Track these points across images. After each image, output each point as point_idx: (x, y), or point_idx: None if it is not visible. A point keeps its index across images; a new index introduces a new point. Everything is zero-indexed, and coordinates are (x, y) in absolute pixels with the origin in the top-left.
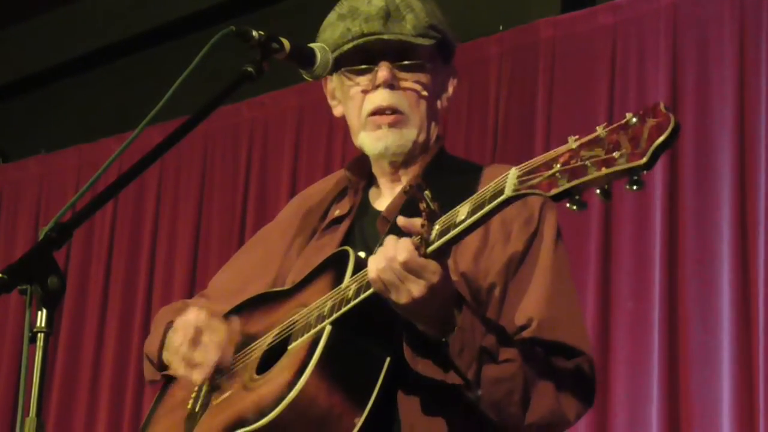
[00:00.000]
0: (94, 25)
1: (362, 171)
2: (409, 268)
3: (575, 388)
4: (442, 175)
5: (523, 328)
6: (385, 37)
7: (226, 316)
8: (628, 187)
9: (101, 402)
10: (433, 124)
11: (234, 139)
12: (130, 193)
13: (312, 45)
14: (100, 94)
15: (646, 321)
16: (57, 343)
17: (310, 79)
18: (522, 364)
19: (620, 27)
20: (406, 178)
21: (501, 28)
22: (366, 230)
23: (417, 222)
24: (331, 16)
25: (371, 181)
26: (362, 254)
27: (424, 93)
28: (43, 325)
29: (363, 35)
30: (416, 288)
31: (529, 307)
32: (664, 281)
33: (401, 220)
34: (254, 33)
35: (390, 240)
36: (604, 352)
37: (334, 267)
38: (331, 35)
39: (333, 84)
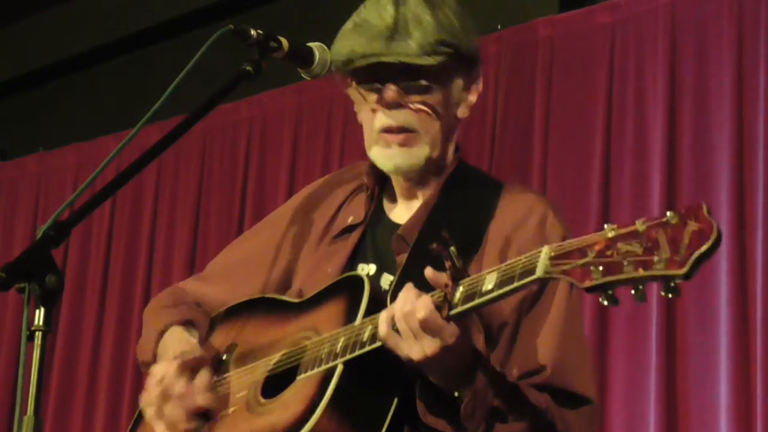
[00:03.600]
0: (92, 23)
1: (379, 176)
2: (426, 326)
3: None
4: (459, 194)
5: (534, 372)
6: (384, 59)
7: (228, 311)
8: (663, 293)
9: (99, 400)
10: (449, 138)
11: (232, 137)
12: (128, 191)
13: (310, 44)
14: (98, 92)
15: (643, 321)
16: (55, 341)
17: (309, 78)
18: (530, 422)
19: (618, 26)
20: (422, 194)
21: (499, 26)
22: (378, 240)
23: (443, 279)
24: (348, 25)
25: (387, 183)
26: (373, 267)
27: (435, 111)
28: (41, 323)
29: (364, 56)
30: (430, 347)
31: (542, 352)
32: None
33: (429, 273)
34: (253, 32)
35: (411, 292)
36: (602, 353)
37: (347, 294)
38: (341, 49)
39: (353, 93)
